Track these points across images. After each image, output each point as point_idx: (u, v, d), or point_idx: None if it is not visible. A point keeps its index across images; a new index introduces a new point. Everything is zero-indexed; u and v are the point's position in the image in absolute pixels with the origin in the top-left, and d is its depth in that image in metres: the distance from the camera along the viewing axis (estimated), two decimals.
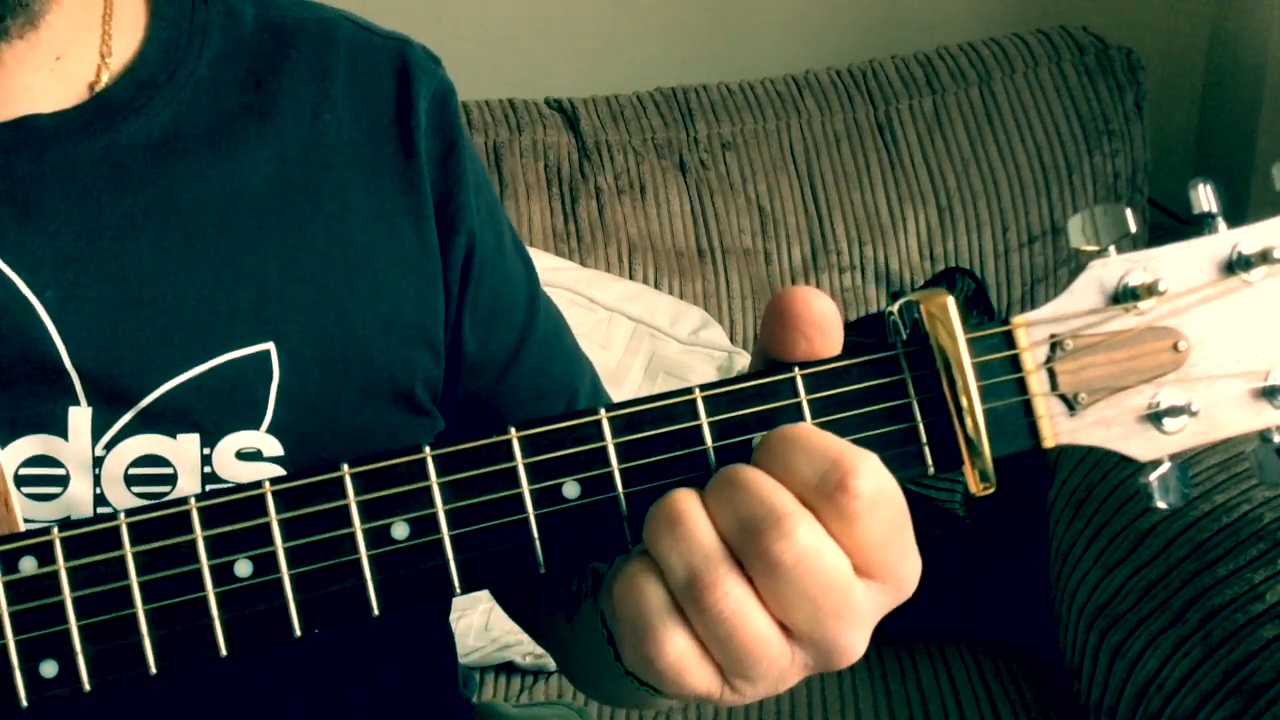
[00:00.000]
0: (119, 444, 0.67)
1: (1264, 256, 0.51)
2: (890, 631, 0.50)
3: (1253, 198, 1.67)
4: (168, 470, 0.68)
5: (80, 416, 0.66)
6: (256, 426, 0.69)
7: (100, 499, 0.67)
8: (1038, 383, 0.51)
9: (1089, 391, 0.51)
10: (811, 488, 0.47)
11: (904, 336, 0.52)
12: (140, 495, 0.67)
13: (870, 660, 1.36)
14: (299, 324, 0.71)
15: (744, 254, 1.54)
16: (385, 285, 0.74)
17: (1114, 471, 1.23)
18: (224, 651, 0.50)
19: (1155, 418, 0.52)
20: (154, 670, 0.50)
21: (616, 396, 1.15)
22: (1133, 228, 0.51)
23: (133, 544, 0.50)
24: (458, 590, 0.51)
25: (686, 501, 0.48)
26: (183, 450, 0.68)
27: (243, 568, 0.50)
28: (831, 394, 0.51)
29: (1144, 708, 1.05)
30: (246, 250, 0.70)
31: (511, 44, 1.82)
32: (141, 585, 0.50)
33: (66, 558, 0.50)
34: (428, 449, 0.51)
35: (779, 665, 0.48)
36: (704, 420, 0.51)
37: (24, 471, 0.66)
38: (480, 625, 1.35)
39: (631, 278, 1.52)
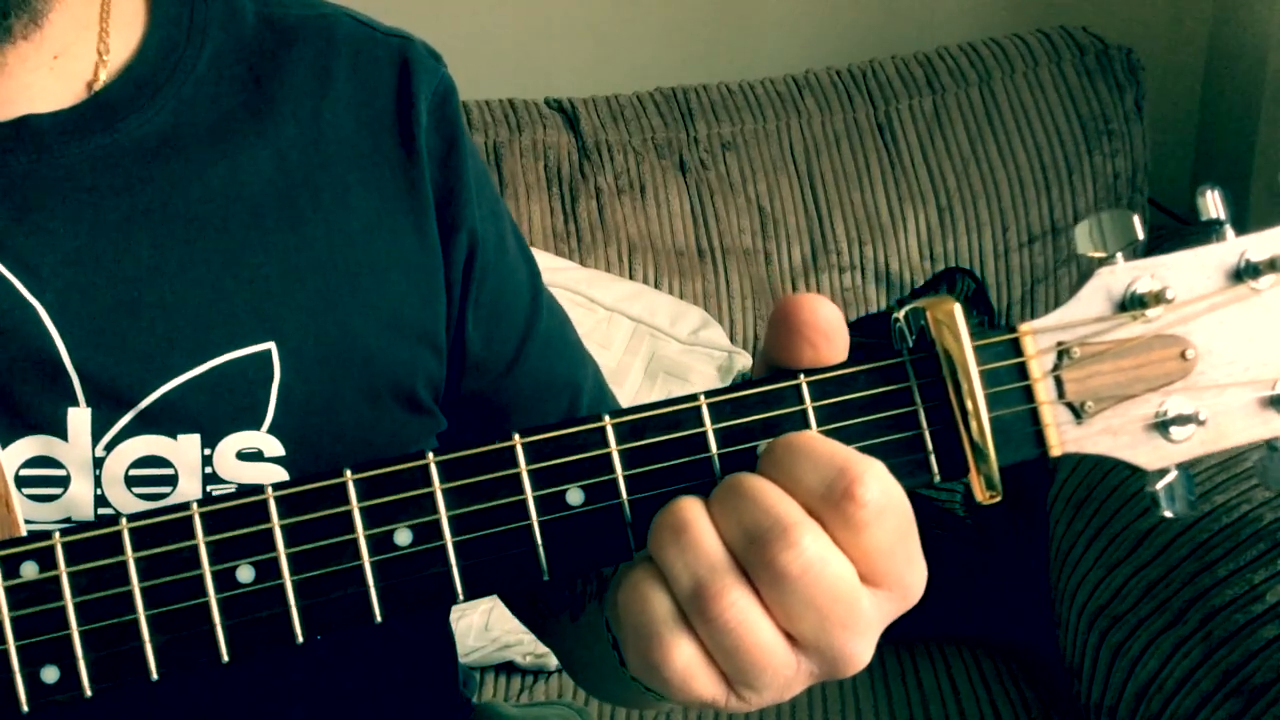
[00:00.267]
0: (119, 445, 0.67)
1: (1272, 264, 0.51)
2: (890, 632, 0.50)
3: (1253, 198, 1.67)
4: (168, 471, 0.68)
5: (79, 418, 0.66)
6: (257, 427, 0.69)
7: (101, 500, 0.67)
8: (1044, 391, 0.51)
9: (1096, 400, 0.51)
10: (817, 496, 0.47)
11: (910, 343, 0.52)
12: (141, 496, 0.67)
13: (870, 660, 1.36)
14: (300, 323, 0.71)
15: (744, 254, 1.54)
16: (386, 284, 0.74)
17: (1114, 472, 1.23)
18: (226, 658, 0.50)
19: (1162, 426, 0.52)
20: (155, 676, 0.50)
21: (616, 396, 1.15)
22: (1140, 235, 0.51)
23: (134, 549, 0.50)
24: (461, 597, 0.51)
25: (692, 510, 0.48)
26: (183, 451, 0.68)
27: (245, 573, 0.50)
28: (837, 401, 0.51)
29: (1144, 708, 1.05)
30: (247, 250, 0.70)
31: (511, 44, 1.82)
32: (143, 591, 0.50)
33: (68, 563, 0.50)
34: (431, 454, 0.51)
35: (785, 674, 0.48)
36: (709, 427, 0.51)
37: (25, 472, 0.66)
38: (480, 625, 1.35)
39: (631, 278, 1.52)
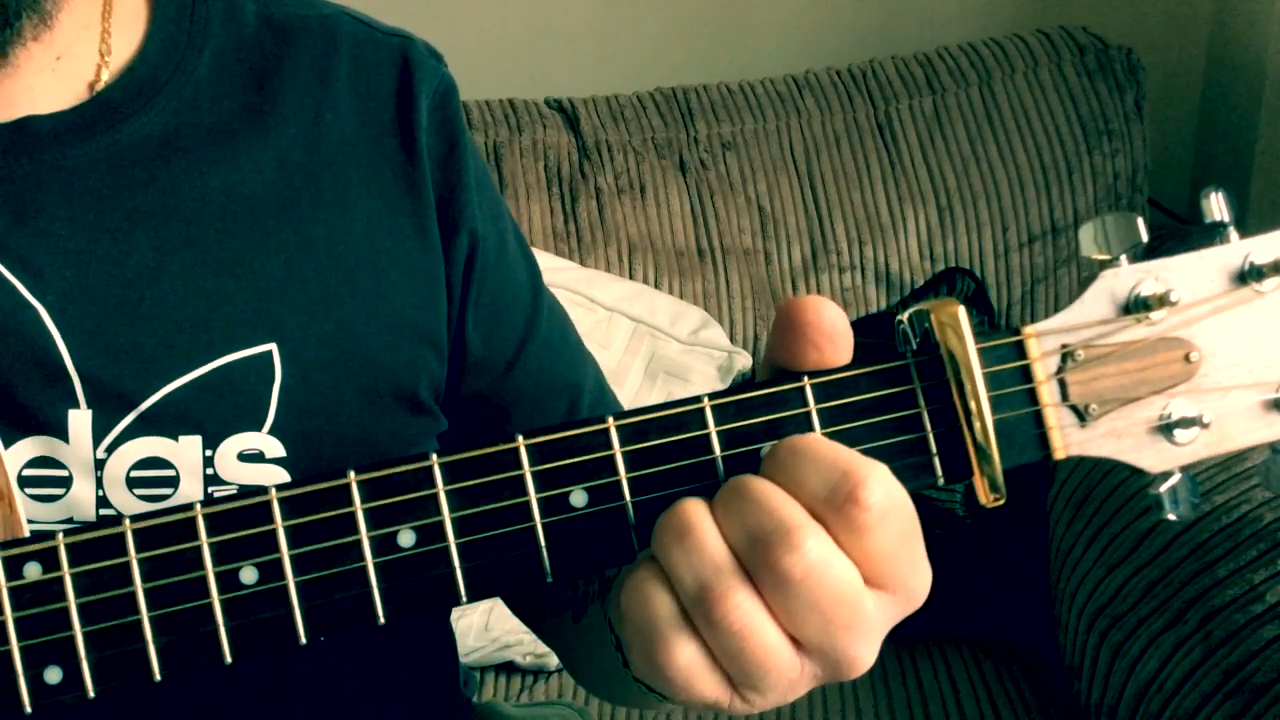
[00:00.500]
0: (120, 446, 0.67)
1: (1276, 267, 0.51)
2: (891, 632, 0.50)
3: (1253, 198, 1.68)
4: (170, 472, 0.67)
5: (80, 419, 0.66)
6: (258, 428, 0.69)
7: (103, 501, 0.67)
8: (1049, 393, 0.51)
9: (1100, 402, 0.51)
10: (821, 499, 0.47)
11: (914, 346, 0.52)
12: (142, 497, 0.67)
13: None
14: (301, 324, 0.70)
15: (744, 254, 1.54)
16: (387, 285, 0.74)
17: (1114, 472, 1.23)
18: (229, 659, 0.50)
19: (1166, 429, 0.52)
20: (158, 677, 0.50)
21: (617, 396, 1.15)
22: (1144, 237, 0.51)
23: (138, 550, 0.50)
24: (464, 599, 0.51)
25: (696, 512, 0.48)
26: (184, 452, 0.68)
27: (248, 575, 0.50)
28: (841, 404, 0.51)
29: (1144, 708, 1.05)
30: (248, 251, 0.70)
31: (511, 44, 1.82)
32: (146, 592, 0.50)
33: (71, 564, 0.50)
34: (434, 456, 0.51)
35: (789, 677, 0.48)
36: (712, 429, 0.51)
37: (27, 472, 0.66)
38: (481, 625, 1.35)
39: (631, 278, 1.52)
